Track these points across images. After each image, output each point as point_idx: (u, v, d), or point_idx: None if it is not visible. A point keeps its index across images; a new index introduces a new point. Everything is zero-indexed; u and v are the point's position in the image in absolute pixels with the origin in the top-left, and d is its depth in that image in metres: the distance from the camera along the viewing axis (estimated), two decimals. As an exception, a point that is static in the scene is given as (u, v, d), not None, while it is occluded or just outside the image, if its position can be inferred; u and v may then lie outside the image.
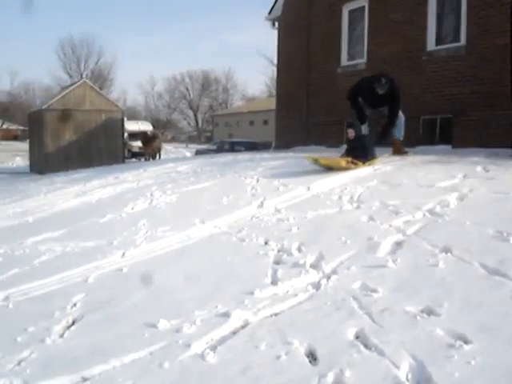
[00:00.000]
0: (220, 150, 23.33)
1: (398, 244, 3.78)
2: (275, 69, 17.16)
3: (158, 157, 24.00)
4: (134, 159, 26.60)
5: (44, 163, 20.44)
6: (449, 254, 3.42)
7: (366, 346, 2.41)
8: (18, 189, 11.82)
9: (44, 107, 21.55)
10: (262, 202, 5.70)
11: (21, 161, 29.76)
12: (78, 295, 3.52)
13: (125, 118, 24.53)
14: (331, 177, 6.60)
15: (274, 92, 33.32)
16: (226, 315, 2.86)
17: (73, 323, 3.11)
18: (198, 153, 25.97)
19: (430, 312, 2.65)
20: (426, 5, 9.98)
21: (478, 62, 8.90)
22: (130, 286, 3.61)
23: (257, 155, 11.28)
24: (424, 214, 4.44)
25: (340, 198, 5.44)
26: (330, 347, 2.42)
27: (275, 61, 16.71)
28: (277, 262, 3.72)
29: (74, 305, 3.38)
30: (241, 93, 79.93)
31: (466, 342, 2.32)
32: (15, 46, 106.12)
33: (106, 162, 18.89)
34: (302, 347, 2.46)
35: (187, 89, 76.53)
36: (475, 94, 8.97)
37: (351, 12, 12.17)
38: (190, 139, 65.09)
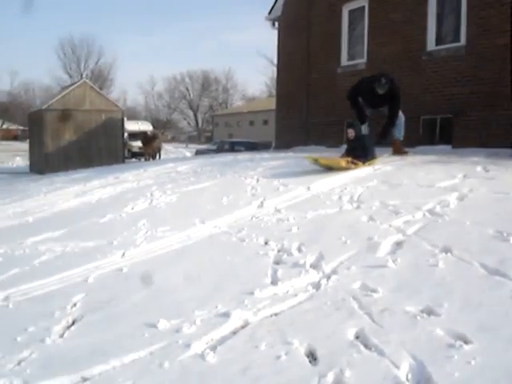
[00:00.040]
0: (220, 150, 23.33)
1: (398, 244, 3.78)
2: (275, 69, 17.18)
3: (158, 157, 24.00)
4: (134, 159, 26.61)
5: (44, 163, 20.44)
6: (449, 254, 3.42)
7: (366, 345, 2.41)
8: (18, 189, 11.82)
9: (44, 107, 21.56)
10: (262, 202, 5.70)
11: (21, 161, 29.77)
12: (77, 295, 3.52)
13: (125, 118, 24.54)
14: (331, 177, 6.60)
15: (273, 92, 33.34)
16: (226, 315, 2.86)
17: (73, 323, 3.11)
18: (198, 153, 25.97)
19: (430, 312, 2.65)
20: (426, 5, 9.98)
21: (478, 61, 8.90)
22: (129, 286, 3.61)
23: (257, 155, 11.28)
24: (424, 214, 4.44)
25: (340, 198, 5.44)
26: (330, 347, 2.42)
27: (275, 61, 16.74)
28: (277, 262, 3.72)
29: (74, 305, 3.38)
30: (241, 93, 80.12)
31: (466, 342, 2.32)
32: (15, 46, 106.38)
33: (106, 162, 18.89)
34: (302, 347, 2.46)
35: (187, 89, 76.62)
36: (475, 94, 8.98)
37: (351, 12, 12.17)
38: (190, 139, 65.09)
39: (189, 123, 78.86)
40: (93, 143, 21.29)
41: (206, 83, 76.26)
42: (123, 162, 21.19)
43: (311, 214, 4.93)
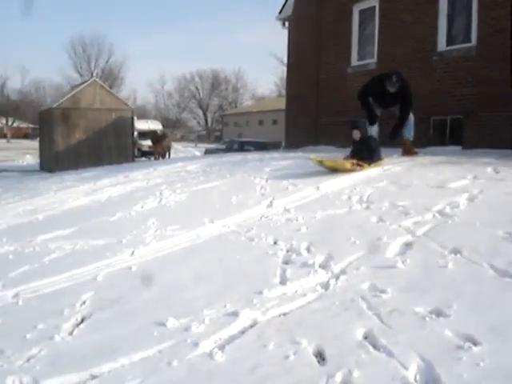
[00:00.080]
0: (229, 149, 23.35)
1: (408, 245, 3.77)
2: (285, 68, 17.15)
3: (167, 156, 24.07)
4: (143, 158, 26.72)
5: (54, 161, 20.56)
6: (458, 256, 3.40)
7: (374, 346, 2.40)
8: (28, 187, 11.89)
9: (54, 106, 21.69)
10: (271, 202, 5.70)
11: (31, 159, 29.97)
12: (87, 293, 3.54)
13: (135, 117, 24.64)
14: (340, 177, 6.59)
15: (283, 92, 33.34)
16: (235, 314, 2.87)
17: (82, 321, 3.13)
18: (208, 152, 26.00)
19: (439, 313, 2.64)
20: (436, 5, 9.92)
21: (489, 62, 8.83)
22: (138, 285, 3.62)
23: (266, 155, 11.28)
24: (434, 215, 4.42)
25: (349, 198, 5.43)
26: (339, 347, 2.42)
27: (285, 60, 16.71)
28: (286, 262, 3.72)
29: (84, 302, 3.40)
30: (250, 92, 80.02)
31: (475, 344, 2.30)
32: (26, 45, 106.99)
33: (116, 160, 18.97)
34: (310, 347, 2.46)
35: (197, 88, 76.71)
36: (486, 95, 8.92)
37: (362, 12, 12.12)
38: (200, 138, 65.23)
39: (198, 122, 79.02)
40: (103, 142, 21.40)
41: (216, 82, 76.32)
42: (133, 160, 21.29)
43: (320, 214, 4.92)
